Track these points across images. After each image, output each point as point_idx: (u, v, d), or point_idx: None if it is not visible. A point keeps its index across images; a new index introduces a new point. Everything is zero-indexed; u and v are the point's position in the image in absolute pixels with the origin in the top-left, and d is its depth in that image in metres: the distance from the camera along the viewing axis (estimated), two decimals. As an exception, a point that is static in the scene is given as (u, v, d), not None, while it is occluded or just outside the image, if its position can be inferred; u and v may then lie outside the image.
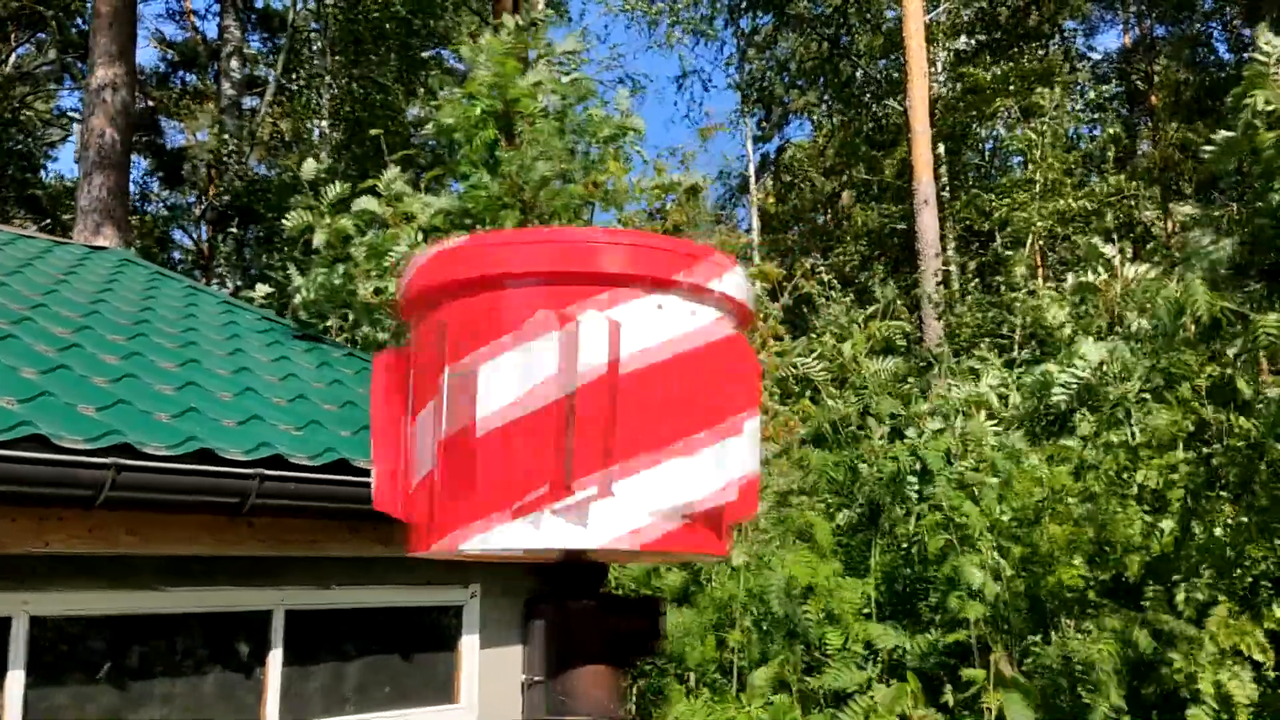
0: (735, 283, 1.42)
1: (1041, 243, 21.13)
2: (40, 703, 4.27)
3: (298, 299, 9.55)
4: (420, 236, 9.20)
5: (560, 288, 1.32)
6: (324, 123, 29.18)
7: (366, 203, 9.36)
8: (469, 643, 5.73)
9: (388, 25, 24.47)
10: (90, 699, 4.45)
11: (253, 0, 29.20)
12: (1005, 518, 7.89)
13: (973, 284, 21.50)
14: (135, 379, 5.28)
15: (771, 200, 34.52)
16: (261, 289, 9.99)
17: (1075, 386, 8.08)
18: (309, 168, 9.80)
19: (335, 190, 9.53)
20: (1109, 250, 9.38)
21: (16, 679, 4.20)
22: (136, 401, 4.84)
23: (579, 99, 10.04)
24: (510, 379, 1.30)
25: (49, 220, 26.90)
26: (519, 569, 5.18)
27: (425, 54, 28.22)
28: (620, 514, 1.30)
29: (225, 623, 4.93)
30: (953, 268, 27.36)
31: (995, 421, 9.21)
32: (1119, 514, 7.35)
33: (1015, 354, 13.26)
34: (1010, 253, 18.56)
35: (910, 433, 8.99)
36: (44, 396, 4.47)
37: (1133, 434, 7.55)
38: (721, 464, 1.37)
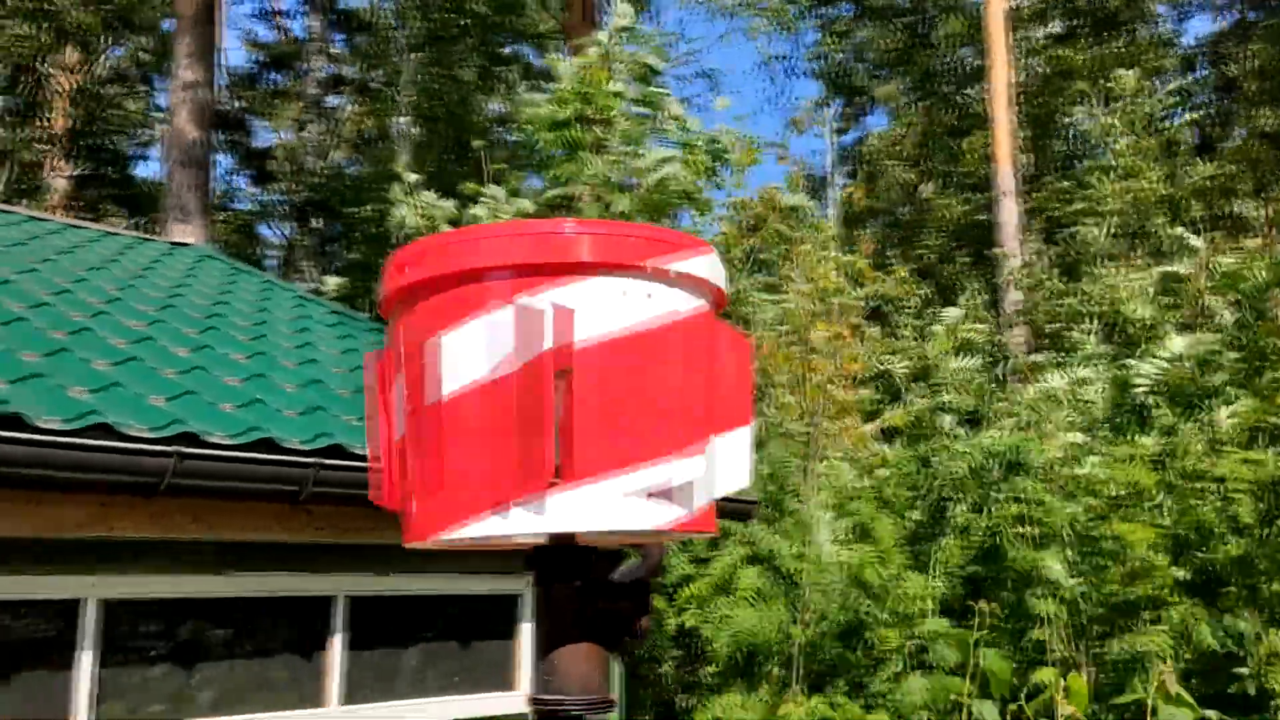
0: (703, 265, 1.41)
1: (1119, 230, 20.60)
2: (109, 683, 4.44)
3: None
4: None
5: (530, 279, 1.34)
6: (405, 119, 29.65)
7: (479, 211, 9.72)
8: (526, 631, 5.81)
9: (466, 22, 24.75)
10: (157, 680, 4.61)
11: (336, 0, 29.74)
12: (1083, 516, 7.72)
13: (1053, 271, 21.03)
14: (204, 371, 5.45)
15: (861, 195, 34.09)
16: (333, 281, 10.29)
17: (1156, 379, 7.88)
18: (411, 178, 10.17)
19: (429, 197, 9.90)
20: (1196, 241, 9.14)
21: (87, 660, 4.36)
22: (203, 392, 5.00)
23: (678, 122, 10.14)
24: (475, 355, 1.33)
25: (142, 218, 27.76)
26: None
27: (505, 50, 28.50)
28: (590, 497, 1.32)
29: (288, 608, 5.06)
30: (1034, 258, 26.84)
31: (1077, 417, 9.02)
32: (1199, 507, 7.16)
33: (1095, 345, 12.93)
34: (1088, 227, 18.10)
35: (990, 429, 8.84)
36: (114, 387, 4.64)
37: (1213, 427, 7.35)
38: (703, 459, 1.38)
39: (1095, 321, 15.68)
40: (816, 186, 38.73)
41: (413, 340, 1.43)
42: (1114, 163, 20.23)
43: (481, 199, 9.91)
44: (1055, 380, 8.84)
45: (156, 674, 4.62)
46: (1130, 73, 21.11)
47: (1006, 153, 24.08)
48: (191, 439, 4.23)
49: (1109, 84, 21.20)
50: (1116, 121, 20.80)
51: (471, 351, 1.34)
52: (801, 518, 7.61)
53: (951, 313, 11.58)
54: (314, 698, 5.08)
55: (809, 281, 9.90)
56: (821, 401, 8.61)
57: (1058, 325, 19.01)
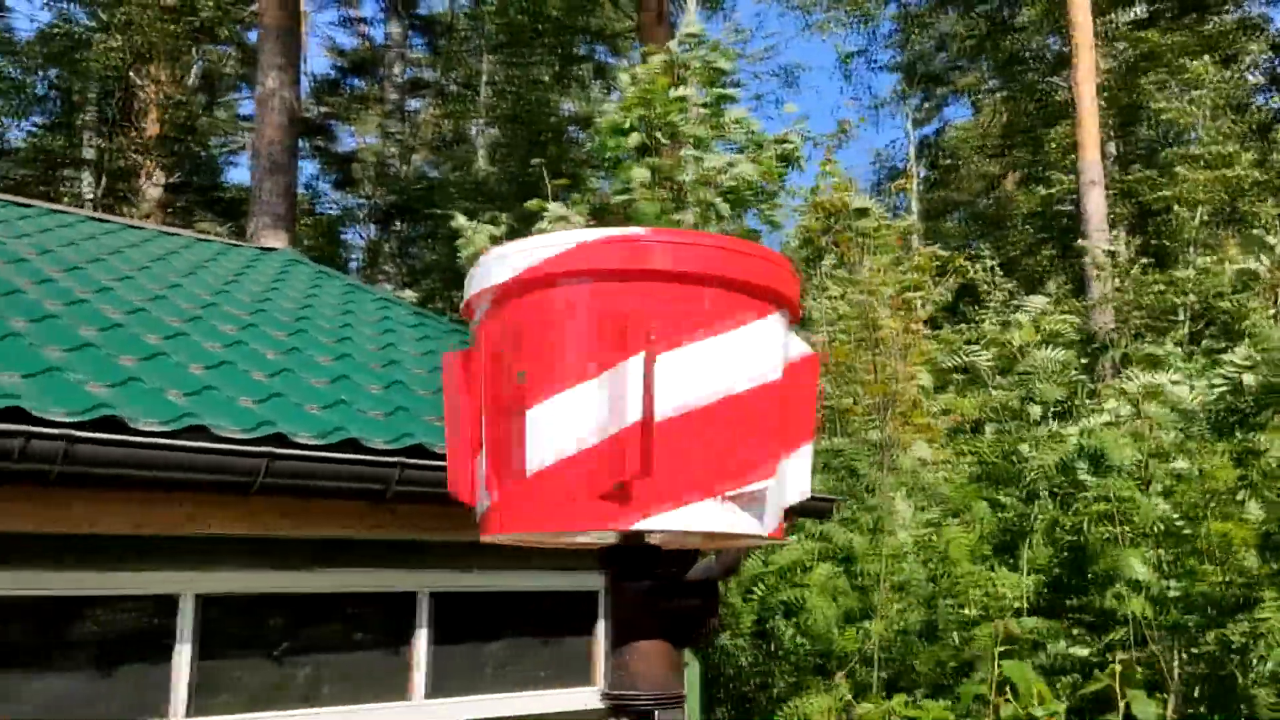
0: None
1: (1209, 218, 20.02)
2: (205, 675, 4.61)
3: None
4: None
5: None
6: (482, 120, 30.07)
7: (544, 226, 9.92)
8: (603, 627, 5.89)
9: (541, 26, 25.01)
10: (251, 672, 4.78)
11: (415, 5, 30.25)
12: (1174, 514, 7.58)
13: (1141, 261, 20.53)
14: (292, 373, 5.62)
15: (908, 187, 33.54)
16: (409, 295, 10.61)
17: (1238, 377, 7.70)
18: (462, 221, 10.39)
19: (496, 230, 10.11)
20: (1271, 239, 8.87)
21: (184, 652, 4.54)
22: (291, 394, 5.16)
23: (740, 126, 10.22)
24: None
25: (230, 222, 28.58)
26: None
27: (579, 51, 28.74)
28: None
29: (374, 603, 5.21)
30: (1122, 247, 26.23)
31: (1175, 413, 8.82)
32: None
33: (1185, 336, 12.64)
34: (1179, 215, 17.65)
35: (1084, 422, 8.68)
36: (208, 390, 4.82)
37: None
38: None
39: (1185, 313, 15.30)
40: (897, 177, 38.30)
41: (495, 341, 1.49)
42: (1200, 150, 19.69)
43: (545, 214, 10.10)
44: (1149, 378, 8.66)
45: (250, 666, 4.79)
46: (1202, 62, 20.48)
47: (1093, 141, 23.56)
48: (281, 440, 4.38)
49: (1187, 73, 20.61)
50: (1196, 108, 20.23)
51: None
52: (878, 512, 7.58)
53: (1036, 300, 11.41)
54: (400, 690, 5.22)
55: (869, 277, 9.87)
56: (893, 396, 8.57)
57: (1145, 318, 18.59)
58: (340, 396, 5.35)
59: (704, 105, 10.34)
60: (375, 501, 4.75)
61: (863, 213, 10.23)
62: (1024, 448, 8.08)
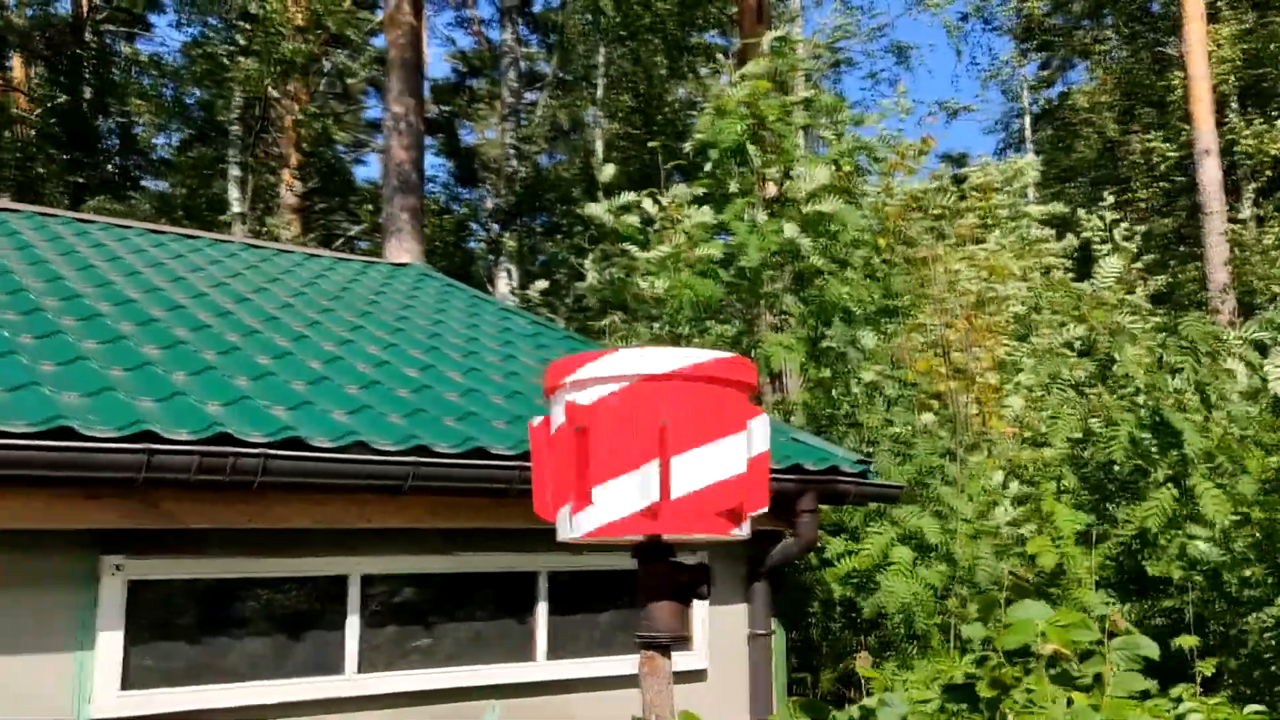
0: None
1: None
2: (369, 641, 5.72)
3: (588, 280, 11.05)
4: (684, 238, 10.56)
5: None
6: (598, 110, 31.12)
7: (649, 206, 10.82)
8: (695, 604, 6.81)
9: (652, 22, 25.83)
10: (405, 637, 5.87)
11: (530, 5, 31.41)
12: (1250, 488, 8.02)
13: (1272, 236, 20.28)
14: (430, 389, 6.68)
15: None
16: (539, 284, 11.51)
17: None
18: (608, 172, 11.25)
19: (625, 199, 10.99)
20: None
21: (354, 623, 5.65)
22: (430, 409, 6.21)
23: (829, 116, 10.92)
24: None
25: (365, 223, 30.39)
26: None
27: (691, 40, 29.48)
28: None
29: (503, 581, 6.24)
30: (1246, 215, 25.80)
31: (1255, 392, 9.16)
32: None
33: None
34: None
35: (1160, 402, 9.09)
36: (364, 409, 5.90)
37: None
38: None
39: None
40: (1015, 143, 38.05)
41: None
42: None
43: (660, 205, 10.90)
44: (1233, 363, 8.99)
45: (405, 634, 5.88)
46: None
47: (1206, 109, 23.31)
48: (424, 450, 5.42)
49: None
50: None
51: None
52: (945, 499, 8.27)
53: (1112, 262, 11.72)
54: (525, 654, 6.25)
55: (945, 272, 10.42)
56: (967, 393, 9.21)
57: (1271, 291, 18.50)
58: (470, 409, 6.39)
59: (802, 104, 11.03)
60: (500, 498, 5.76)
61: (941, 191, 10.81)
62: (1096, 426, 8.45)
